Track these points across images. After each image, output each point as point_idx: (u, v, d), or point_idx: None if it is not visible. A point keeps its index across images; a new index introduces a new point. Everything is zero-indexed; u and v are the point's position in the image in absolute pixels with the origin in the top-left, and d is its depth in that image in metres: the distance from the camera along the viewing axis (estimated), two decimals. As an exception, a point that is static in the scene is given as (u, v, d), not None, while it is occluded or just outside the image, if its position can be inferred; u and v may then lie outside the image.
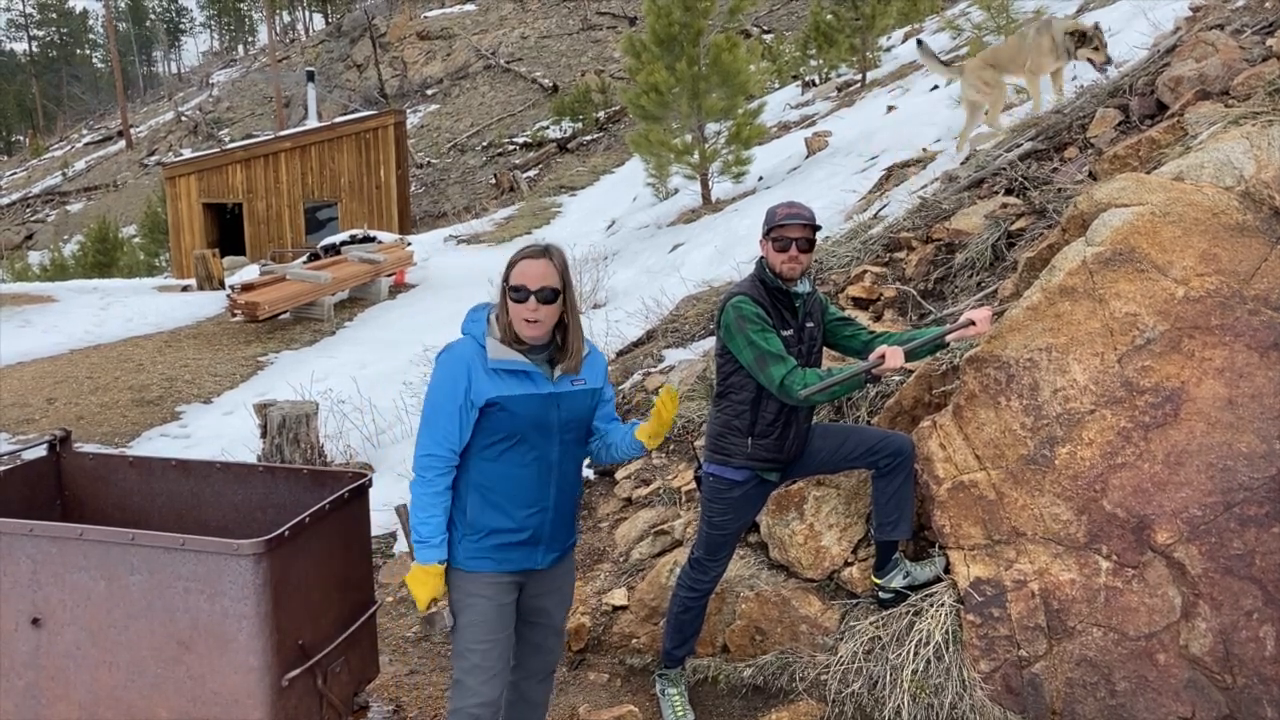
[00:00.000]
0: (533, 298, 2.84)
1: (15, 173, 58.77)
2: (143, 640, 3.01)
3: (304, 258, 18.88)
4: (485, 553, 2.94)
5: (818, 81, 24.88)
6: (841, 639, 3.74)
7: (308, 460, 6.40)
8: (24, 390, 10.88)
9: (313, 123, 29.61)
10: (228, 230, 26.40)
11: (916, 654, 3.49)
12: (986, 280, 4.92)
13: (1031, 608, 3.39)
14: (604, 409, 3.16)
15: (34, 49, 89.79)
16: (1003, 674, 3.41)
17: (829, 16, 22.40)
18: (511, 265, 2.91)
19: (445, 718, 3.05)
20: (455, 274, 17.64)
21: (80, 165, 53.88)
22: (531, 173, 33.26)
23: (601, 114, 35.50)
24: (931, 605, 3.56)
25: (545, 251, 2.92)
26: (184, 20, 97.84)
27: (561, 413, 2.96)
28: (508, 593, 3.00)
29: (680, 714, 3.75)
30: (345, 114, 34.08)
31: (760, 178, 15.35)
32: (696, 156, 15.17)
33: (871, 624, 3.69)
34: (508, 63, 44.81)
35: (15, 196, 50.44)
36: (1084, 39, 6.68)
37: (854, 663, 3.62)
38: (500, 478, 2.92)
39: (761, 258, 3.54)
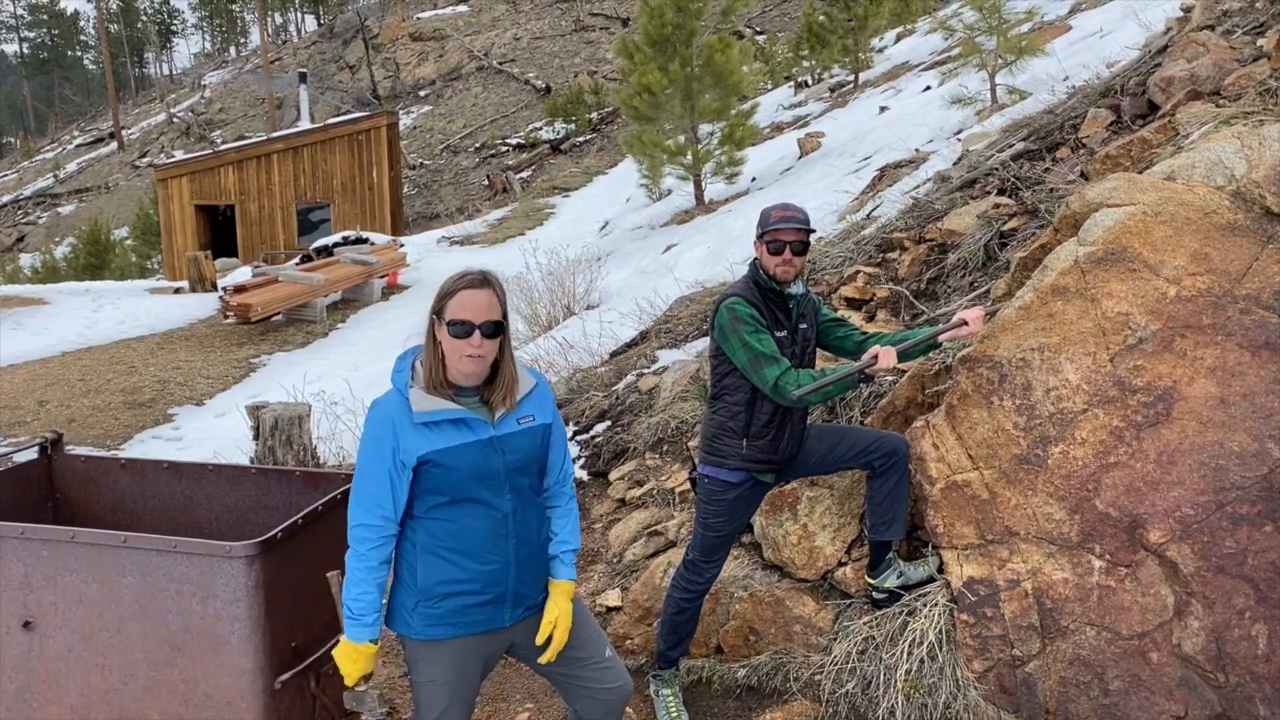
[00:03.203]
0: (477, 332, 2.54)
1: (7, 175, 58.58)
2: (135, 643, 2.99)
3: (297, 259, 18.86)
4: (444, 618, 2.65)
5: (810, 82, 24.93)
6: (835, 639, 3.74)
7: (300, 462, 6.38)
8: (15, 392, 10.84)
9: (305, 124, 29.58)
10: (220, 232, 26.37)
11: (910, 654, 3.49)
12: (979, 280, 4.93)
13: (1025, 607, 3.39)
14: (554, 455, 2.81)
15: (25, 50, 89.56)
16: (996, 673, 3.42)
17: (821, 17, 22.47)
18: (448, 296, 2.58)
19: None
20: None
21: (72, 167, 53.74)
22: (525, 174, 33.26)
23: (595, 115, 35.53)
24: (925, 605, 3.56)
25: (486, 280, 2.61)
26: (176, 22, 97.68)
27: (508, 458, 2.63)
28: (474, 656, 2.73)
29: (675, 715, 3.74)
30: (338, 115, 34.03)
31: (753, 178, 15.38)
32: (690, 157, 15.19)
33: (865, 624, 3.69)
34: (500, 64, 44.79)
35: (7, 199, 50.27)
36: None
37: (848, 663, 3.62)
38: (451, 537, 2.62)
39: (755, 259, 3.54)
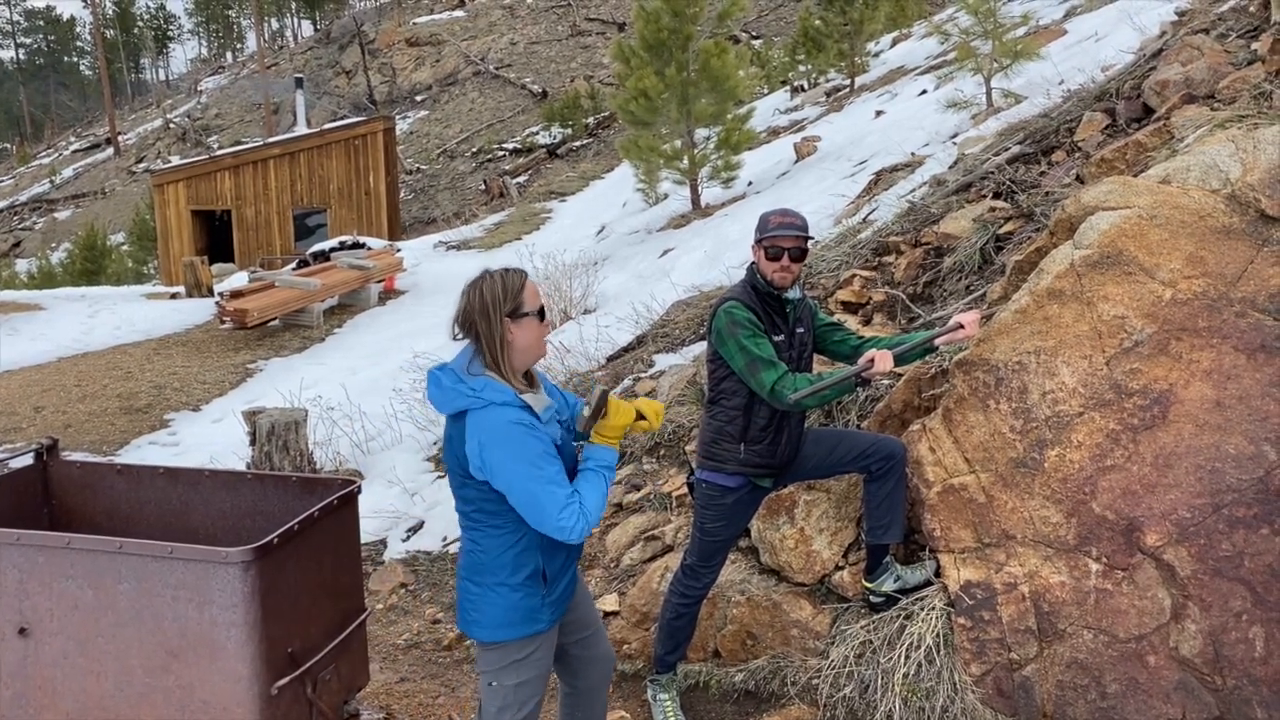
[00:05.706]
0: (546, 314, 2.71)
1: (3, 181, 58.52)
2: (131, 649, 2.99)
3: (293, 264, 18.86)
4: (556, 604, 2.79)
5: (806, 87, 24.98)
6: (833, 643, 3.74)
7: (297, 467, 6.37)
8: (11, 398, 10.82)
9: (302, 129, 29.58)
10: (216, 237, 26.33)
11: (908, 657, 3.49)
12: (975, 284, 4.94)
13: (1022, 610, 3.39)
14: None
15: (21, 56, 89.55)
16: (994, 677, 3.41)
17: (817, 22, 22.49)
18: (519, 292, 2.65)
19: None
20: (445, 280, 17.61)
21: (68, 173, 53.69)
22: (521, 178, 33.26)
23: (591, 120, 35.54)
24: (922, 609, 3.56)
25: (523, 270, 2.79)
26: (172, 27, 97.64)
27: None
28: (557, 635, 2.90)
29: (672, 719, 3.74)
30: (334, 121, 34.05)
31: (750, 183, 15.39)
32: (686, 162, 15.20)
33: (862, 628, 3.68)
34: (497, 69, 44.82)
35: (3, 204, 50.22)
36: None
37: (845, 667, 3.62)
38: None
39: (753, 263, 3.54)
